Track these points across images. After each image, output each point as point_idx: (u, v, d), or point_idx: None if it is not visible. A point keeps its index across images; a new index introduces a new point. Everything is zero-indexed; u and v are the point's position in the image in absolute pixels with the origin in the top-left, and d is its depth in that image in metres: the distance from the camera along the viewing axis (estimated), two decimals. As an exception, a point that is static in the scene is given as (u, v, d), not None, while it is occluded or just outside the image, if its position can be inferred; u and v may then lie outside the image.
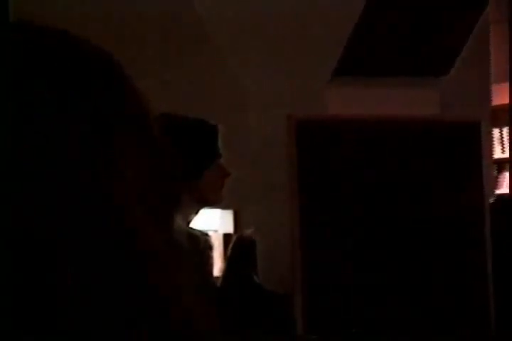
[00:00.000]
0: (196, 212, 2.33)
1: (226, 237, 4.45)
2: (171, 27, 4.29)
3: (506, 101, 4.37)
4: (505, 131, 6.00)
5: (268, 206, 4.19)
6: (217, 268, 3.93)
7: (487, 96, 4.41)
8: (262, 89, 4.17)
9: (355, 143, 3.69)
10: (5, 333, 0.48)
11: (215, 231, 4.38)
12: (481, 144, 3.73)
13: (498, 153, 6.21)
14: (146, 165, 0.57)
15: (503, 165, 6.28)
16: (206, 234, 2.47)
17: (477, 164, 3.76)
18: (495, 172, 6.08)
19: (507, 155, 5.78)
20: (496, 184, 6.08)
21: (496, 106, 5.08)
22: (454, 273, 3.65)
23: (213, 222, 4.41)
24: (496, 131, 6.03)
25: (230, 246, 3.80)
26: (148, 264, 0.53)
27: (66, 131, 0.52)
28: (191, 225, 2.38)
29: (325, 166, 3.71)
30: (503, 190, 5.94)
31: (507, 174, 6.05)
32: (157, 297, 0.53)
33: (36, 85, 0.53)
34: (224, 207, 4.17)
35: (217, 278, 3.71)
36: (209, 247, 2.43)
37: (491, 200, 3.72)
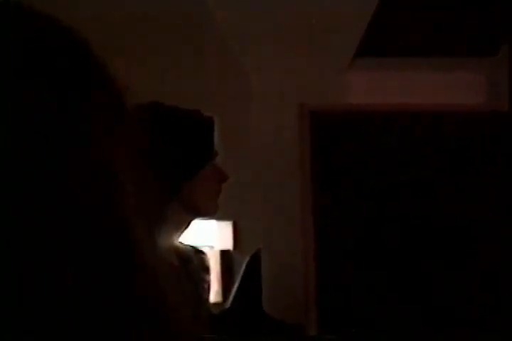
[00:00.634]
0: (187, 224, 2.22)
1: (224, 255, 4.34)
2: (169, 12, 4.29)
3: None
4: None
5: (274, 216, 4.08)
6: (214, 292, 3.81)
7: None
8: (266, 72, 4.07)
9: (382, 138, 3.59)
10: (5, 333, 0.53)
11: (211, 247, 4.28)
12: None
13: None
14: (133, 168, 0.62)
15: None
16: (201, 252, 2.35)
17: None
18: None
19: None
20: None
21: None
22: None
23: (208, 236, 4.31)
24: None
25: (244, 266, 3.75)
26: (138, 270, 0.60)
27: (61, 127, 0.58)
28: (181, 240, 2.27)
29: (345, 166, 3.62)
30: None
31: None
32: (145, 307, 0.59)
33: (31, 81, 0.58)
34: (221, 218, 4.08)
35: (215, 304, 3.61)
36: (204, 268, 2.31)
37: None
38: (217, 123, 2.37)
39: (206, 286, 2.30)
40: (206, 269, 2.32)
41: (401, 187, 3.78)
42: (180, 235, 2.23)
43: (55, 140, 0.58)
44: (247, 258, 3.86)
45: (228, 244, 4.41)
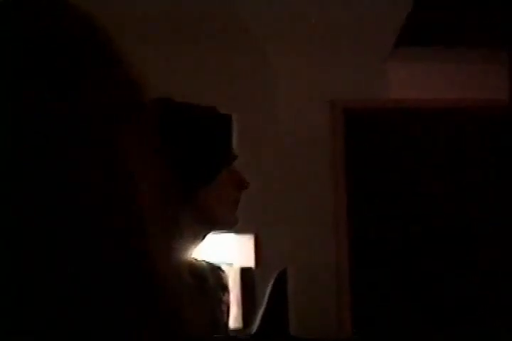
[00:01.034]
0: (201, 237, 2.17)
1: (244, 273, 4.32)
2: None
3: None
4: None
5: (301, 228, 4.07)
6: (233, 316, 3.76)
7: None
8: (293, 67, 4.06)
9: (424, 137, 3.57)
10: (5, 333, 0.58)
11: (230, 264, 4.25)
12: None
13: None
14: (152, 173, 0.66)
15: None
16: (218, 269, 2.29)
17: None
18: None
19: None
20: None
21: None
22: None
23: (227, 252, 4.29)
24: None
25: (268, 290, 3.76)
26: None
27: (70, 122, 0.62)
28: (196, 256, 2.22)
29: (382, 169, 3.62)
30: None
31: None
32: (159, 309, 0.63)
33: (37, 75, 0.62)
34: (241, 231, 4.05)
35: (234, 330, 3.57)
36: (222, 287, 2.26)
37: None
38: (236, 122, 2.33)
39: (225, 308, 2.24)
40: (224, 288, 2.24)
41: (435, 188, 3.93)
42: (194, 250, 2.18)
43: (56, 140, 0.61)
44: (272, 281, 3.85)
45: (249, 260, 4.39)
